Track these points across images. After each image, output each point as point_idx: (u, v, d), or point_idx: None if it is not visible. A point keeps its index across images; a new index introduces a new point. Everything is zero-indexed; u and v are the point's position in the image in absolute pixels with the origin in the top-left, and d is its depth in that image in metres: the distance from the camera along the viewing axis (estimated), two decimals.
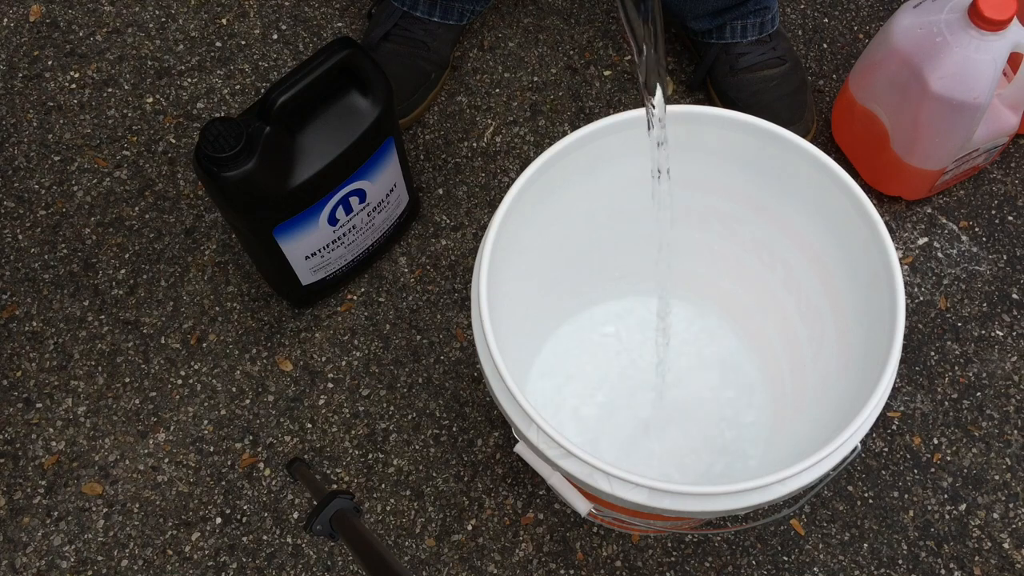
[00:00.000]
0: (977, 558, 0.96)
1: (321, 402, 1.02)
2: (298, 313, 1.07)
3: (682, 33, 1.20)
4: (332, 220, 0.95)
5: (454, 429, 1.01)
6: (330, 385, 1.03)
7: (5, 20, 1.24)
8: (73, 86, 1.20)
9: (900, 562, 0.96)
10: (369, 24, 1.19)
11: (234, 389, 1.03)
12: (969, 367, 1.04)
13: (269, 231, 0.91)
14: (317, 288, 1.03)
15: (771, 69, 1.13)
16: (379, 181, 0.97)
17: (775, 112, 1.11)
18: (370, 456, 1.00)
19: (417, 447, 1.00)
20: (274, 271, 0.99)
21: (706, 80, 1.18)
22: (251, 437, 1.01)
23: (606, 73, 1.21)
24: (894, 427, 1.01)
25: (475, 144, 1.17)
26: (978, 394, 1.03)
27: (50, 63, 1.21)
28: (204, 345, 1.05)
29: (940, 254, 1.11)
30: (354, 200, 0.96)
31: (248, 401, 1.02)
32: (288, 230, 0.92)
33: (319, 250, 0.98)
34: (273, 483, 0.99)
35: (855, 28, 1.25)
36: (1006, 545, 0.96)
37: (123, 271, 1.09)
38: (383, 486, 0.99)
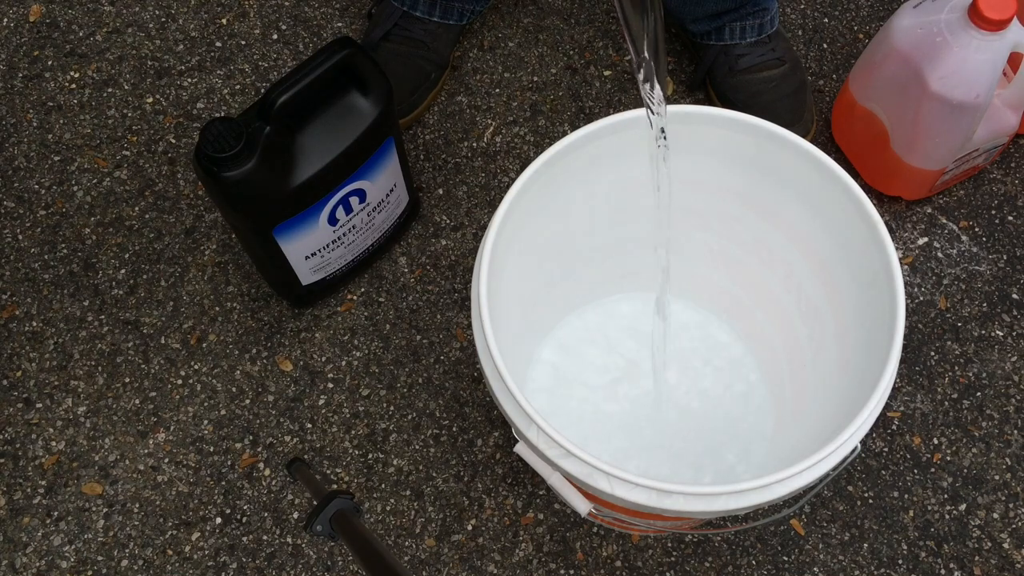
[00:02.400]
0: (977, 558, 0.96)
1: (321, 402, 1.02)
2: (298, 313, 1.07)
3: (681, 33, 1.20)
4: (332, 220, 0.95)
5: (454, 429, 1.01)
6: (330, 385, 1.03)
7: (5, 20, 1.24)
8: (73, 86, 1.20)
9: (900, 562, 0.96)
10: (369, 24, 1.19)
11: (234, 389, 1.03)
12: (969, 367, 1.04)
13: (269, 231, 0.91)
14: (317, 288, 1.03)
15: (770, 70, 1.13)
16: (379, 181, 0.97)
17: (775, 112, 1.11)
18: (370, 456, 1.00)
19: (417, 447, 1.00)
20: (274, 271, 0.99)
21: (705, 81, 1.18)
22: (251, 437, 1.01)
23: (606, 73, 1.21)
24: (894, 427, 1.01)
25: (475, 144, 1.16)
26: (978, 394, 1.03)
27: (50, 63, 1.21)
28: (204, 345, 1.05)
29: (940, 254, 1.11)
30: (354, 200, 0.96)
31: (248, 401, 1.02)
32: (288, 230, 0.92)
33: (319, 250, 0.98)
34: (273, 483, 0.99)
35: (855, 28, 1.25)
36: (1006, 545, 0.96)
37: (123, 271, 1.09)
38: (383, 486, 0.99)
